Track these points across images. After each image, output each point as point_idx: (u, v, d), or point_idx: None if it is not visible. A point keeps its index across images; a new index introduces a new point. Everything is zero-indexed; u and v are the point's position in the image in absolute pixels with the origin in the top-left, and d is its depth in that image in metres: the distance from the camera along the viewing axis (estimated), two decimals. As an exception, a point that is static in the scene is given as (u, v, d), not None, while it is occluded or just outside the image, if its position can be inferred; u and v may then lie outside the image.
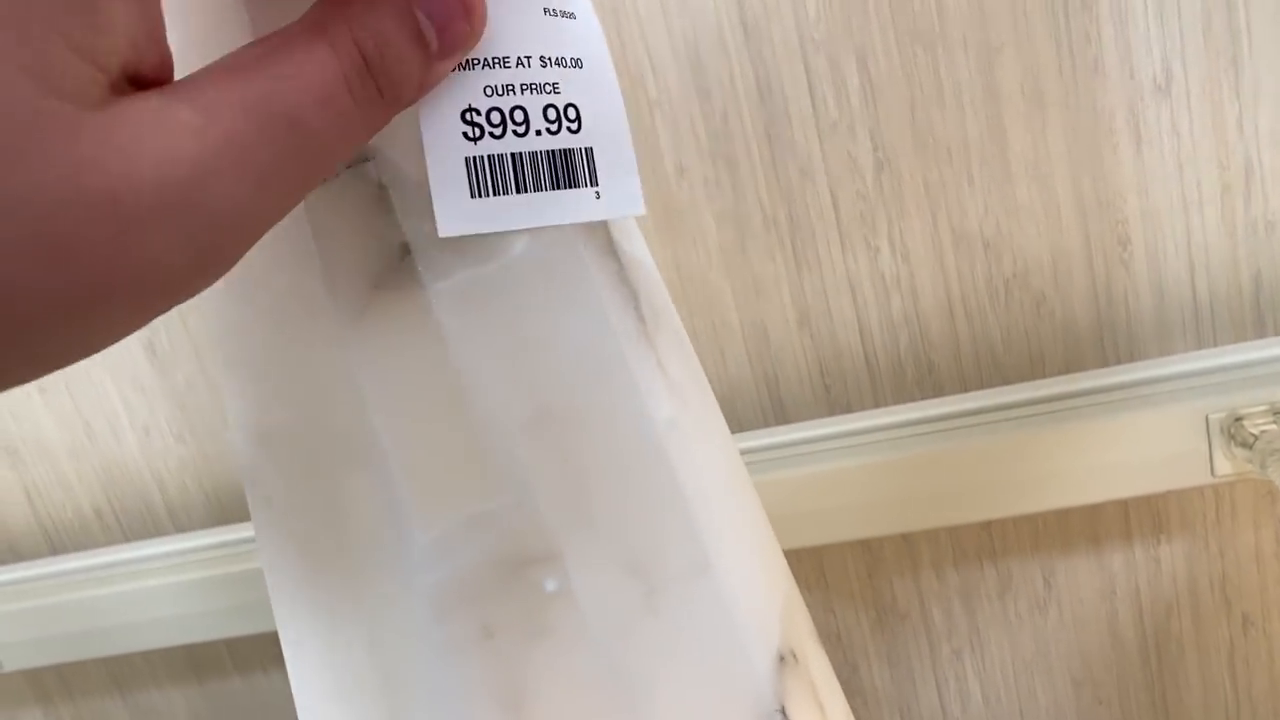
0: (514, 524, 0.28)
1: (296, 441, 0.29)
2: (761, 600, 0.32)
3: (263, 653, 0.73)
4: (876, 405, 0.60)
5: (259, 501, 0.30)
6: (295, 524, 0.30)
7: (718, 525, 0.31)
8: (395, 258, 0.26)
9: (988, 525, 0.62)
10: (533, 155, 0.24)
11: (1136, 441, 0.53)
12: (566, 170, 0.24)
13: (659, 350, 0.31)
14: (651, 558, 0.29)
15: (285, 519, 0.30)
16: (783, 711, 0.31)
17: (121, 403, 0.67)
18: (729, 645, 0.31)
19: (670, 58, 0.55)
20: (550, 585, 0.28)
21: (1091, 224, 0.55)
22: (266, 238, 0.21)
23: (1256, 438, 0.49)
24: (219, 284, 0.28)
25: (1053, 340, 0.58)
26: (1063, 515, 0.61)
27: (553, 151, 0.24)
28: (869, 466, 0.57)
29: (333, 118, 0.20)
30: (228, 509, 0.70)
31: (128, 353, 0.65)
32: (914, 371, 0.59)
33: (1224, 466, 0.52)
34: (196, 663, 0.74)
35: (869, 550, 0.64)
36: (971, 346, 0.58)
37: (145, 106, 0.18)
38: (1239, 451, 0.50)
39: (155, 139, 0.17)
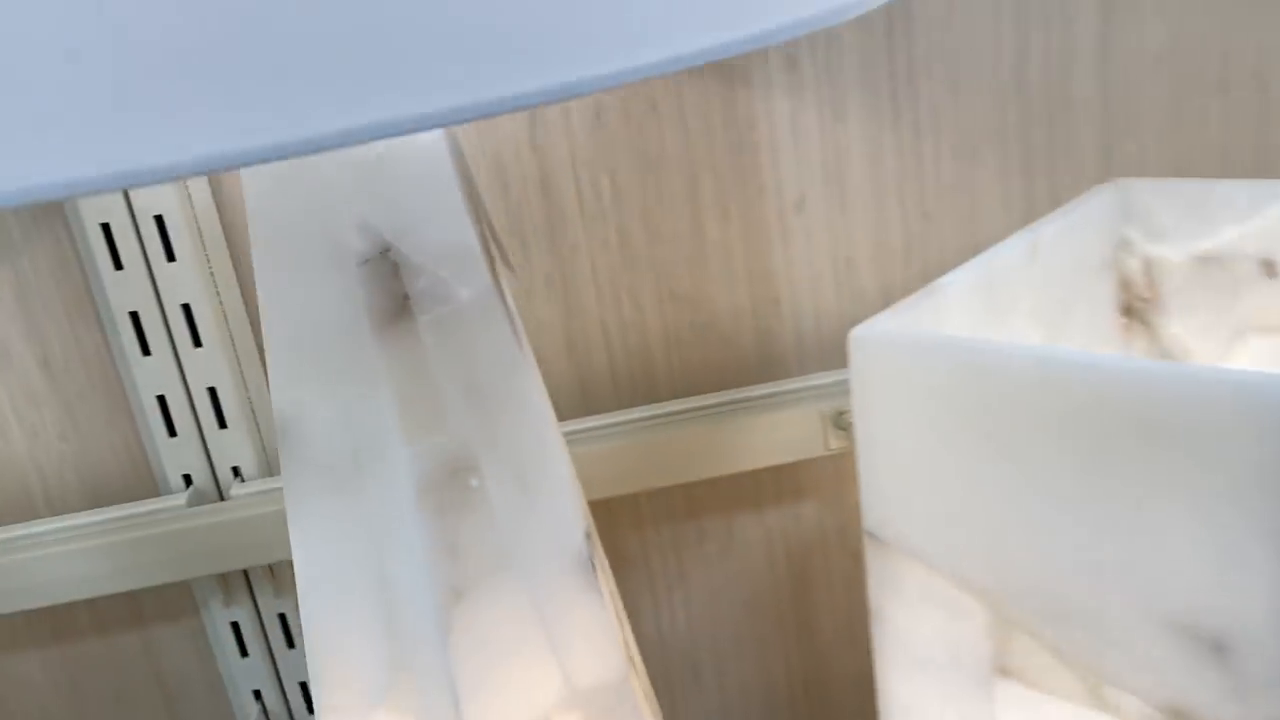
0: (457, 448, 0.51)
1: (329, 403, 0.50)
2: (578, 495, 0.57)
3: (121, 611, 0.88)
4: (618, 408, 0.86)
5: (293, 443, 0.51)
6: (322, 455, 0.51)
7: (558, 448, 0.55)
8: (400, 302, 0.49)
9: (688, 488, 0.89)
10: None
11: (781, 428, 0.81)
12: None
13: (527, 356, 0.55)
14: (529, 468, 0.53)
15: (314, 451, 0.51)
16: (591, 561, 0.56)
17: (13, 412, 0.82)
18: (568, 516, 0.55)
19: (482, 162, 0.79)
20: (474, 482, 0.51)
21: (757, 290, 0.84)
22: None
23: (851, 425, 0.79)
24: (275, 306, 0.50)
25: (730, 364, 0.86)
26: (736, 481, 0.89)
27: None
28: (611, 449, 0.83)
29: None
30: (99, 494, 0.85)
31: (23, 369, 0.81)
32: (643, 385, 0.86)
33: (834, 443, 0.82)
34: (55, 626, 0.88)
35: (609, 509, 0.89)
36: (682, 368, 0.86)
37: None
38: (840, 433, 0.80)
39: None
